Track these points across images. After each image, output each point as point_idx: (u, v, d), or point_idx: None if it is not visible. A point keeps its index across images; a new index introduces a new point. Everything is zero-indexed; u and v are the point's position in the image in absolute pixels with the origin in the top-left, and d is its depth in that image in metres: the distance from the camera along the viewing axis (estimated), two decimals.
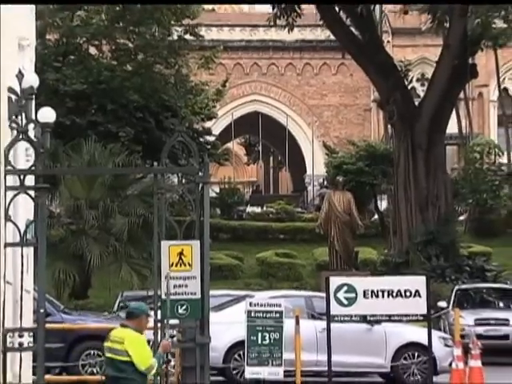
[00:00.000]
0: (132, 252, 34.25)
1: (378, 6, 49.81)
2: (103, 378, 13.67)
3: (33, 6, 20.07)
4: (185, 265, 15.04)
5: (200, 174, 15.88)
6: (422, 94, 46.73)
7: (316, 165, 64.55)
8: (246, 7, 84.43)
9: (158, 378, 13.93)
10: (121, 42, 46.90)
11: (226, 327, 24.42)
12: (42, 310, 15.19)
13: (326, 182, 57.23)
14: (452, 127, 49.80)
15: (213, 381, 16.25)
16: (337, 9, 43.90)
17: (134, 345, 12.66)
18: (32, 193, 14.99)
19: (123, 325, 13.04)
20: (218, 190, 56.44)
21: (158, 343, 14.23)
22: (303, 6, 45.37)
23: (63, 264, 33.12)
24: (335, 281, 27.45)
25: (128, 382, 12.62)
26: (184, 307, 14.99)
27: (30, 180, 14.93)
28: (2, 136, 14.68)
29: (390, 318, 26.69)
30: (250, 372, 25.38)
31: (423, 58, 58.51)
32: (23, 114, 15.39)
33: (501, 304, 34.63)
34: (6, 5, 14.64)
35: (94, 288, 36.74)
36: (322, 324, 26.22)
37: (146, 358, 12.60)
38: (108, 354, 12.82)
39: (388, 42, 56.90)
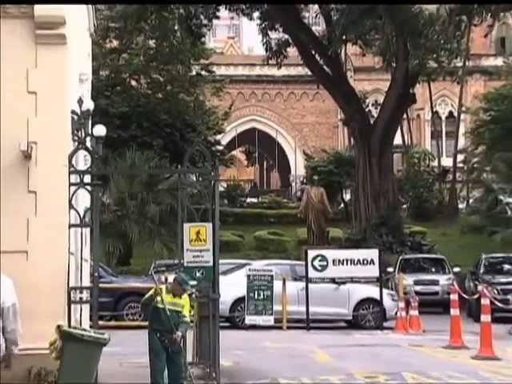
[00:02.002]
0: (162, 231, 34.27)
1: (343, 50, 49.70)
2: None
3: (89, 50, 20.00)
4: (201, 241, 15.05)
5: (212, 173, 15.87)
6: (375, 115, 46.68)
7: (298, 167, 64.55)
8: (246, 50, 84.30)
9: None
10: (154, 76, 46.96)
11: (231, 287, 24.39)
12: (96, 274, 15.21)
13: (305, 180, 57.20)
14: (397, 139, 49.83)
15: (221, 326, 16.22)
16: (313, 52, 43.91)
17: None
18: (89, 188, 14.99)
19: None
20: (225, 186, 56.40)
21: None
22: (288, 50, 45.41)
23: (111, 240, 33.13)
24: (312, 252, 27.61)
25: None
26: (200, 272, 15.00)
27: (87, 178, 14.94)
28: (67, 146, 14.68)
29: (352, 280, 26.88)
30: (249, 319, 25.49)
31: (377, 88, 58.44)
32: (82, 130, 15.39)
33: (433, 269, 34.77)
34: (71, 49, 14.61)
35: (134, 257, 36.77)
36: (302, 284, 26.36)
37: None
38: None
39: (351, 76, 56.78)
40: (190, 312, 13.50)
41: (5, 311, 9.55)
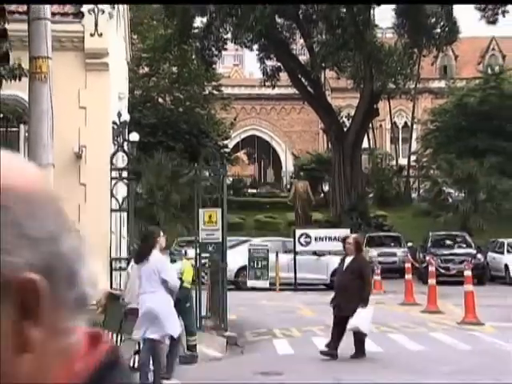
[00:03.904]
0: (183, 215, 34.24)
1: (323, 74, 49.64)
2: None
3: (126, 74, 20.00)
4: (212, 222, 15.10)
5: (221, 170, 15.93)
6: (348, 125, 46.67)
7: (287, 165, 64.48)
8: (247, 75, 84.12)
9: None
10: (176, 95, 46.93)
11: (236, 258, 24.47)
12: (131, 248, 15.26)
13: (293, 175, 57.18)
14: (365, 144, 49.87)
15: (228, 288, 16.29)
16: (299, 76, 43.94)
17: None
18: (126, 181, 15.03)
19: None
20: (231, 180, 56.32)
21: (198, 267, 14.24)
22: (280, 74, 45.41)
23: (143, 222, 32.88)
24: (299, 231, 27.75)
25: None
26: (212, 247, 15.06)
27: (124, 174, 14.98)
28: (109, 148, 14.72)
29: (329, 253, 26.94)
30: (250, 283, 25.60)
31: (349, 104, 58.19)
32: (121, 136, 15.44)
33: (392, 244, 34.78)
34: (113, 72, 14.63)
35: None
36: (291, 256, 26.47)
37: None
38: None
39: (329, 95, 56.57)
40: (192, 276, 13.27)
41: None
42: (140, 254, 10.18)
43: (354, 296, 11.39)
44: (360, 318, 11.57)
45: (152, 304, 9.59)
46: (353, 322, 11.63)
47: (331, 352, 11.61)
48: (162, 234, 10.32)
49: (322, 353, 11.62)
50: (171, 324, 9.76)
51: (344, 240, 12.47)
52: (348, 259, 11.97)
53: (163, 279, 9.73)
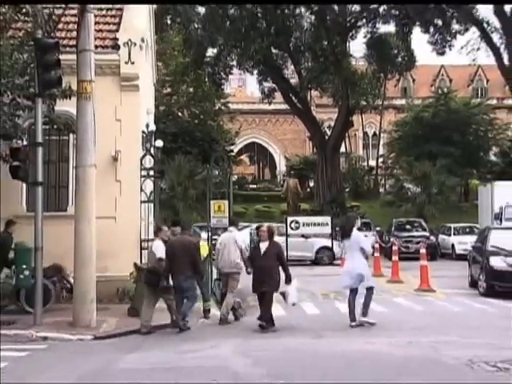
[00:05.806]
0: (198, 206, 34.21)
1: (309, 94, 49.58)
2: None
3: (153, 94, 20.01)
4: (221, 212, 15.15)
5: (228, 170, 15.98)
6: (329, 134, 46.67)
7: (281, 166, 64.44)
8: (249, 93, 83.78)
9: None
10: (192, 110, 46.87)
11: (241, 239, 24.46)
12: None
13: (285, 174, 57.16)
14: (342, 149, 49.91)
15: None
16: (290, 94, 43.93)
17: None
18: (152, 178, 15.09)
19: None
20: (236, 177, 56.19)
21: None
22: (275, 93, 45.46)
23: (166, 211, 32.96)
24: (290, 218, 27.83)
25: None
26: (221, 230, 15.09)
27: (151, 172, 15.04)
28: (139, 153, 14.78)
29: (314, 235, 27.00)
30: None
31: (330, 117, 57.65)
32: (148, 143, 15.49)
33: (363, 228, 34.30)
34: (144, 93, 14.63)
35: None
36: (284, 238, 26.42)
37: None
38: None
39: (313, 110, 56.30)
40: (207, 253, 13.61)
41: (243, 249, 12.23)
42: (345, 232, 11.64)
43: (274, 275, 11.34)
44: (289, 291, 11.55)
45: (356, 266, 11.12)
46: (284, 289, 11.55)
47: (266, 322, 11.25)
48: (358, 218, 12.12)
49: (261, 326, 11.08)
50: (370, 278, 11.50)
51: (258, 228, 12.38)
52: (263, 245, 11.67)
53: (361, 248, 11.20)
